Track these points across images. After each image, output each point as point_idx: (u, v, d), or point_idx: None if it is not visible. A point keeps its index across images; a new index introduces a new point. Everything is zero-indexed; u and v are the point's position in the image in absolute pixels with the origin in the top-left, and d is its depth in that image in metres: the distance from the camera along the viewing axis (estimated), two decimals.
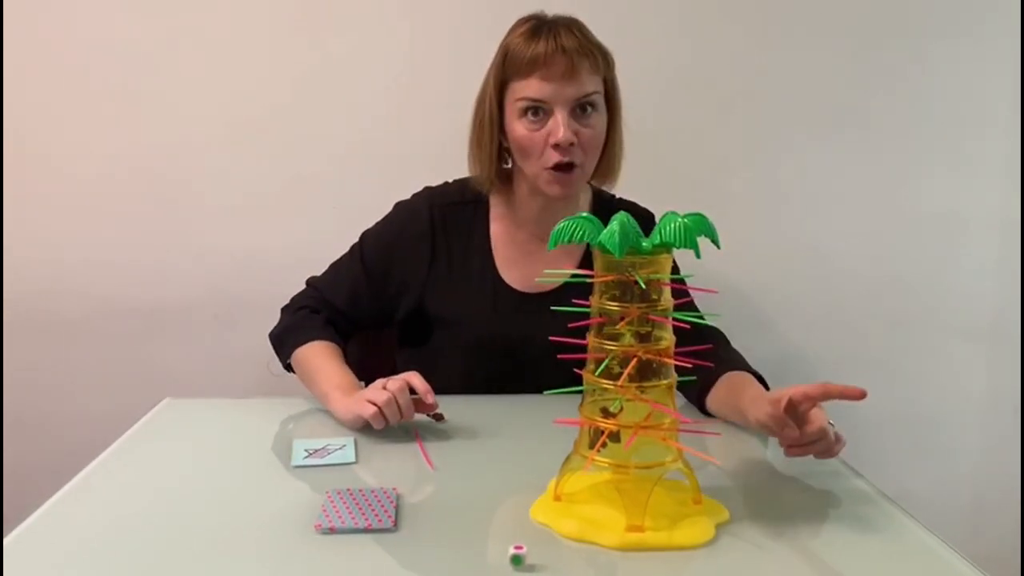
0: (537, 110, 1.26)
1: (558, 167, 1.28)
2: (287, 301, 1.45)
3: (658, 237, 0.87)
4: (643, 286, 0.87)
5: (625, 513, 0.88)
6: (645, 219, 1.43)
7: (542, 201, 1.37)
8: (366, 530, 0.89)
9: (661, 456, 0.89)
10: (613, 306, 0.88)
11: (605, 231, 0.86)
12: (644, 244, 0.88)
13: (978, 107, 1.91)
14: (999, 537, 2.02)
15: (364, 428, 1.19)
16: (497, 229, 1.41)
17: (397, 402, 1.15)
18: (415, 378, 1.19)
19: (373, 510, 0.92)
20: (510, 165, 1.37)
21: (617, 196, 1.47)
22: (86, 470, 1.07)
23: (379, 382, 1.19)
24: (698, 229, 0.87)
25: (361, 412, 1.16)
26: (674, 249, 0.89)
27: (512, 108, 1.29)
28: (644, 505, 0.88)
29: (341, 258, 1.44)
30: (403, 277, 1.40)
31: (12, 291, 1.88)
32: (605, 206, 1.43)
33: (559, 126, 1.25)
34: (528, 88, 1.26)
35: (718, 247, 0.90)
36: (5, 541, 0.87)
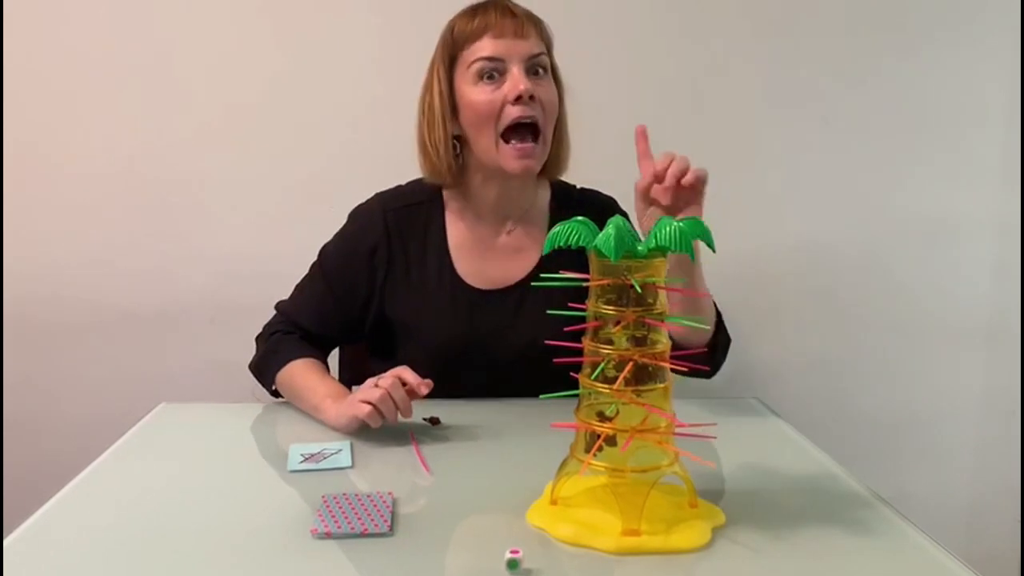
0: (493, 72, 1.26)
1: (519, 130, 1.26)
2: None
3: (653, 241, 0.87)
4: (639, 290, 0.87)
5: (621, 517, 0.88)
6: (609, 207, 1.43)
7: (498, 188, 1.35)
8: (362, 535, 0.89)
9: (657, 460, 0.89)
10: (609, 310, 0.88)
11: (601, 235, 0.86)
12: (640, 248, 0.88)
13: (975, 108, 1.92)
14: (997, 539, 2.02)
15: (359, 432, 1.19)
16: (453, 226, 1.39)
17: (392, 397, 1.15)
18: (406, 372, 1.18)
19: (369, 515, 0.92)
20: (461, 159, 1.35)
21: (578, 187, 1.46)
22: (83, 474, 1.07)
23: (370, 381, 1.18)
24: (693, 233, 0.87)
25: (356, 413, 1.16)
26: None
27: (466, 77, 1.28)
28: (640, 509, 0.88)
29: (304, 278, 1.42)
30: (365, 287, 1.38)
31: (10, 295, 1.88)
32: (565, 198, 1.42)
33: (518, 80, 1.24)
34: (481, 48, 1.26)
35: (713, 251, 0.90)
36: (4, 543, 0.87)
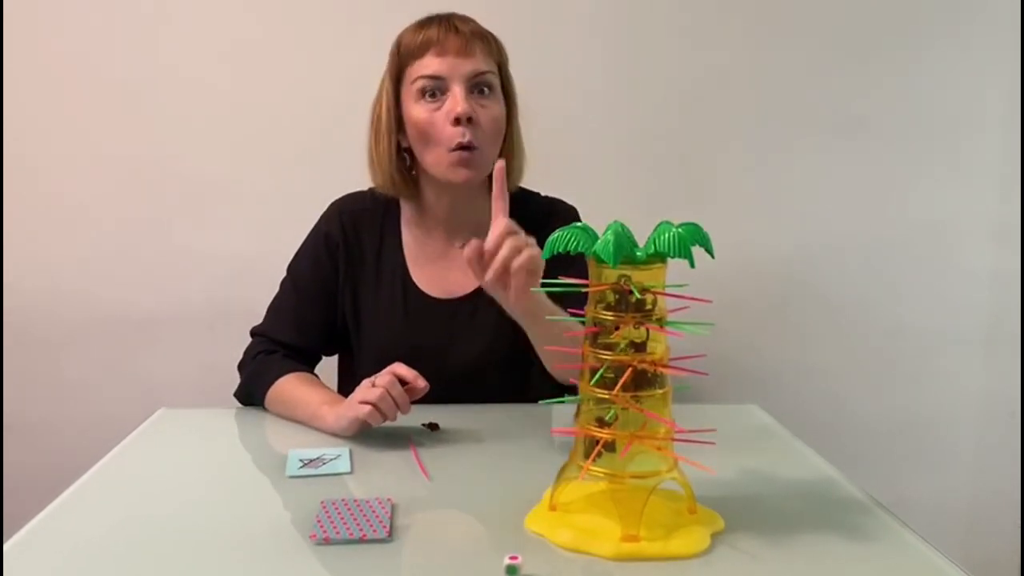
0: (435, 90, 1.26)
1: (460, 147, 1.26)
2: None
3: (652, 247, 0.87)
4: (638, 295, 0.87)
5: (620, 523, 0.88)
6: (568, 216, 1.41)
7: (450, 200, 1.35)
8: (361, 541, 0.89)
9: (656, 466, 0.89)
10: (608, 315, 0.88)
11: (600, 241, 0.86)
12: (639, 253, 0.88)
13: (974, 112, 1.92)
14: (997, 544, 2.02)
15: (358, 438, 1.19)
16: (409, 234, 1.40)
17: (390, 394, 1.15)
18: (401, 368, 1.19)
19: (368, 520, 0.92)
20: (413, 172, 1.36)
21: (543, 195, 1.45)
22: (81, 480, 1.07)
23: (366, 381, 1.18)
24: (692, 239, 0.87)
25: (356, 413, 1.16)
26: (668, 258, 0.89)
27: (410, 93, 1.28)
28: (639, 515, 0.88)
29: (275, 297, 1.42)
30: (333, 284, 1.39)
31: (9, 300, 1.88)
32: (524, 208, 1.39)
33: (457, 100, 1.24)
34: (424, 66, 1.26)
35: (712, 256, 0.90)
36: (4, 547, 0.87)
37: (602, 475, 0.89)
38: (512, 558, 0.81)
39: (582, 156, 1.88)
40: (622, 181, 1.89)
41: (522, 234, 1.06)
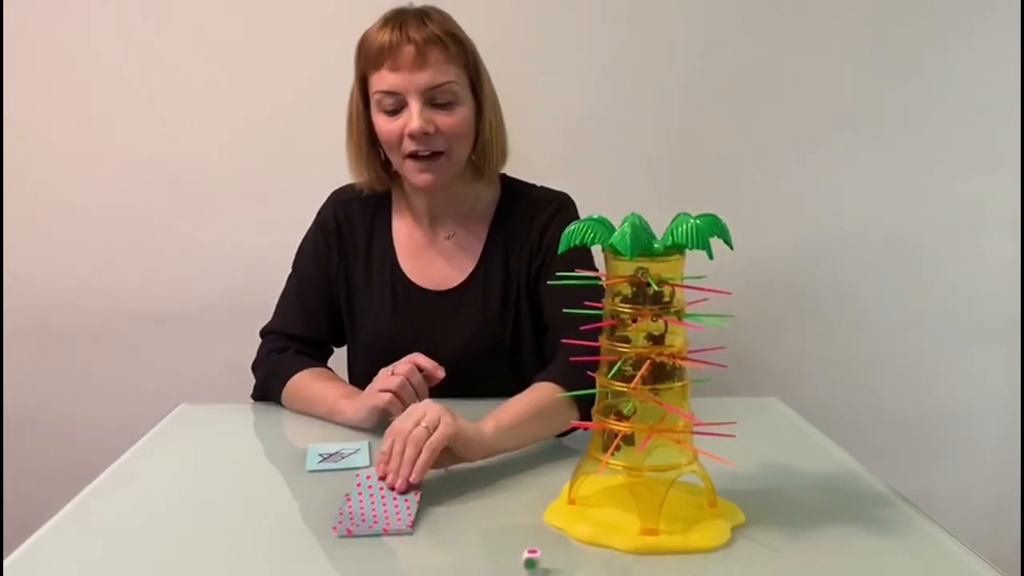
0: (393, 107, 1.25)
1: (417, 155, 1.26)
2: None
3: (670, 238, 0.87)
4: (656, 288, 0.86)
5: (639, 516, 0.88)
6: (561, 204, 1.39)
7: (427, 195, 1.35)
8: (383, 534, 0.89)
9: (675, 459, 0.88)
10: (625, 308, 0.88)
11: (616, 233, 0.86)
12: (656, 245, 0.87)
13: (994, 103, 1.89)
14: (1020, 538, 2.00)
15: (378, 430, 1.19)
16: (399, 224, 1.40)
17: (410, 383, 1.16)
18: (420, 358, 1.19)
19: (396, 509, 0.92)
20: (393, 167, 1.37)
21: (538, 185, 1.43)
22: (104, 474, 1.08)
23: (385, 370, 1.19)
24: (710, 230, 0.87)
25: (376, 403, 1.17)
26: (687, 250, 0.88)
27: (373, 101, 1.28)
28: (659, 508, 0.87)
29: (282, 293, 1.43)
30: (331, 278, 1.40)
31: (27, 298, 1.89)
32: (513, 198, 1.40)
33: (412, 116, 1.23)
34: (380, 80, 1.25)
35: (731, 248, 0.89)
36: (28, 542, 0.89)
37: (621, 468, 0.88)
38: (531, 552, 0.81)
39: (596, 152, 1.87)
40: (640, 177, 1.88)
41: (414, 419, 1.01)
